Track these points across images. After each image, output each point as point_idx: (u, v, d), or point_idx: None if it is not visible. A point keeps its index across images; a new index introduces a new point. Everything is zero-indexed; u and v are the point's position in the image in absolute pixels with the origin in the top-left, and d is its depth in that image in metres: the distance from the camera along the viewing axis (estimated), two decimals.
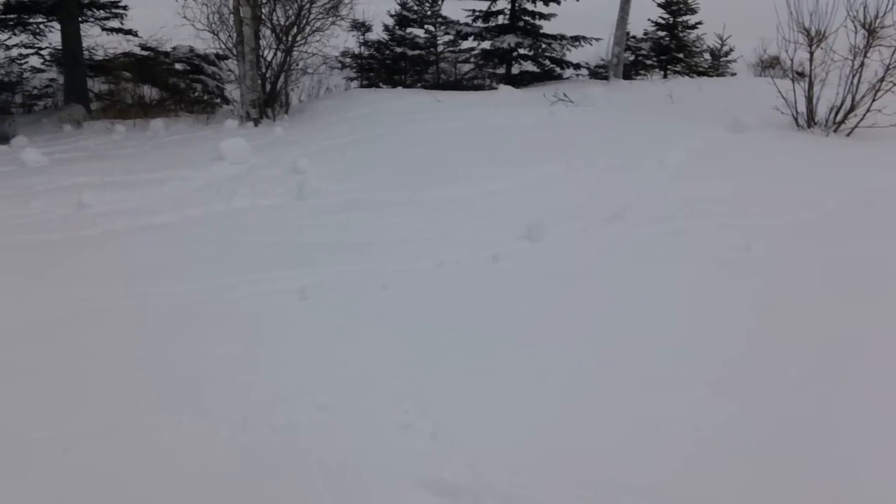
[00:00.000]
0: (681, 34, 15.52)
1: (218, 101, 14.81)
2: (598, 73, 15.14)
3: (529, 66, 15.45)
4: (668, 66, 15.62)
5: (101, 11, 15.58)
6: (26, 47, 15.90)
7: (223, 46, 13.18)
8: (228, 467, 2.87)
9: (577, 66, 15.25)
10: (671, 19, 15.52)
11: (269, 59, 12.60)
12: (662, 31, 15.58)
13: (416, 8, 15.67)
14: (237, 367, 3.64)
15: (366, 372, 3.57)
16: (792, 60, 9.57)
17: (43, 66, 16.22)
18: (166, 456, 2.94)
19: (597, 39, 14.63)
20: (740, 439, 2.97)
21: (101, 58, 15.64)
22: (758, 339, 3.84)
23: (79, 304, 4.42)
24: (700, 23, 15.47)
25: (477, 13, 15.22)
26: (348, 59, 16.00)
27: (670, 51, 15.52)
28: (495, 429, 3.08)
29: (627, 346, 3.78)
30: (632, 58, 15.45)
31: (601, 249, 5.29)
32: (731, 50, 15.88)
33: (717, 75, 15.51)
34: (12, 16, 15.18)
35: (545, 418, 3.15)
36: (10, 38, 15.63)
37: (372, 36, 16.13)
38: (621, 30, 13.44)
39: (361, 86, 15.48)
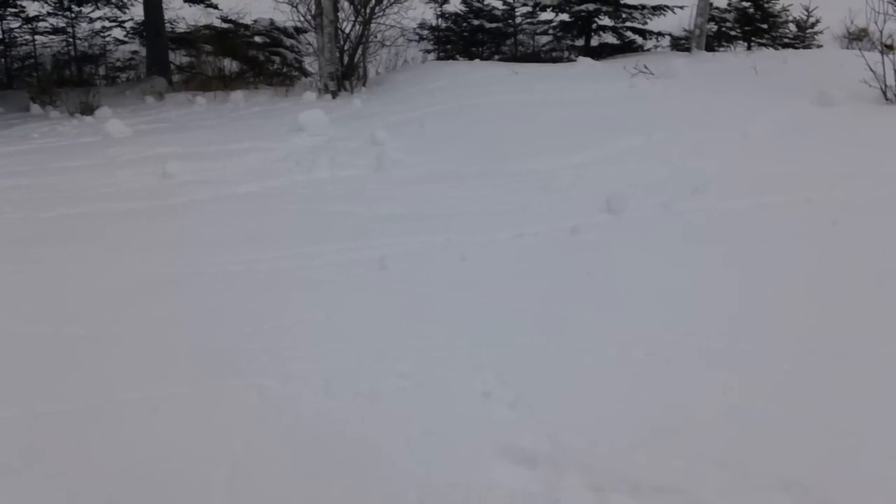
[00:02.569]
0: (766, 5, 15.03)
1: (297, 73, 14.96)
2: (680, 44, 14.81)
3: (609, 38, 15.19)
4: (753, 38, 15.17)
5: None
6: (110, 20, 16.29)
7: (302, 19, 13.29)
8: (312, 432, 2.91)
9: (658, 36, 14.94)
10: None
11: (347, 31, 12.65)
12: (747, 1, 15.13)
13: None
14: (320, 333, 3.69)
15: (445, 341, 3.58)
16: (881, 32, 9.19)
17: (126, 39, 16.65)
18: (251, 419, 2.99)
19: (680, 8, 14.28)
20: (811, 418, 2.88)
21: (183, 30, 15.95)
22: (843, 318, 3.71)
23: (165, 271, 4.52)
24: None
25: None
26: (425, 32, 15.97)
27: (755, 22, 15.07)
28: (575, 400, 3.06)
29: (707, 322, 3.69)
30: (715, 29, 15.05)
31: (683, 223, 5.18)
32: (818, 21, 15.33)
33: (803, 47, 14.98)
34: None
35: (624, 390, 3.12)
36: (93, 10, 16.04)
37: (449, 8, 16.06)
38: (704, 1, 13.10)
39: (438, 58, 15.46)
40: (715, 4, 14.41)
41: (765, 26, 15.05)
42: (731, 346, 3.44)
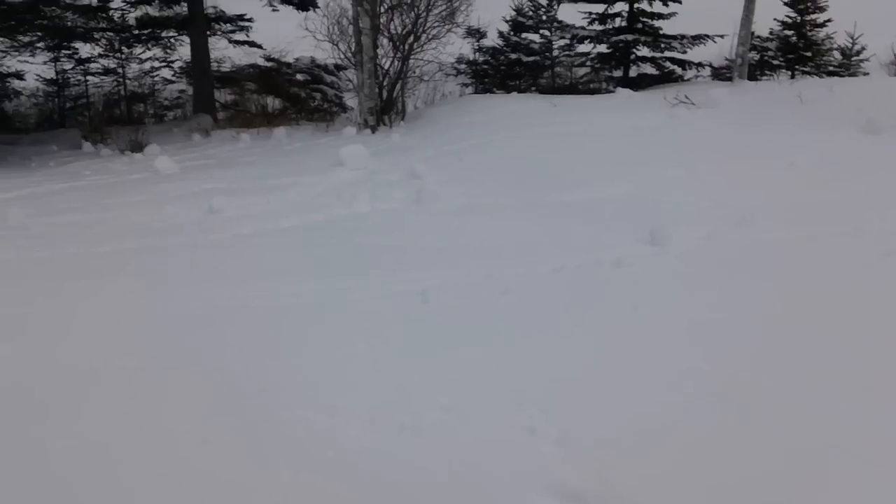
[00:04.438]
0: (809, 33, 14.91)
1: (337, 109, 15.17)
2: (721, 73, 14.74)
3: (648, 69, 15.17)
4: (796, 67, 15.04)
5: (229, 25, 16.25)
6: (158, 61, 16.72)
7: (342, 56, 13.51)
8: (357, 465, 2.92)
9: (698, 66, 14.88)
10: (798, 18, 14.94)
11: (386, 67, 12.81)
12: (789, 29, 15.02)
13: (531, 13, 15.63)
14: (364, 366, 3.71)
15: (489, 375, 3.57)
16: None
17: (173, 79, 17.05)
18: (297, 451, 3.01)
19: (720, 37, 14.23)
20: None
21: (228, 69, 16.28)
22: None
23: (212, 304, 4.59)
24: (829, 21, 14.83)
25: (594, 16, 15.05)
26: (463, 66, 16.10)
27: (798, 50, 14.94)
28: (623, 436, 3.02)
29: (755, 357, 3.64)
30: (757, 58, 14.95)
31: (728, 255, 5.12)
32: (863, 49, 15.15)
33: (849, 75, 14.79)
34: (146, 31, 15.97)
35: (674, 427, 3.07)
36: (143, 52, 16.47)
37: (486, 42, 16.19)
38: (746, 29, 13.03)
39: (476, 92, 15.55)
40: (756, 33, 14.32)
41: (808, 54, 14.91)
42: (781, 383, 3.38)
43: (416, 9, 12.67)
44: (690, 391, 3.33)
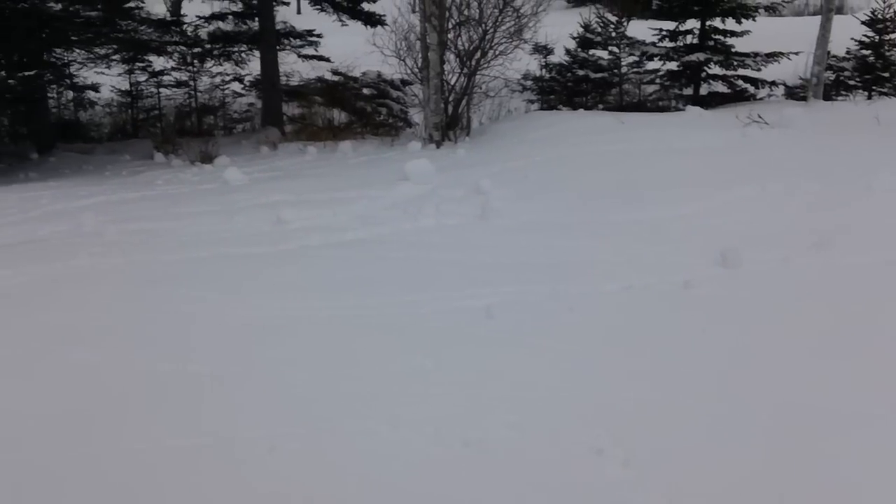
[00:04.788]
0: (887, 53, 14.53)
1: (402, 124, 15.26)
2: (795, 93, 14.44)
3: (719, 87, 14.94)
4: (873, 87, 14.66)
5: (298, 40, 16.49)
6: (229, 75, 17.07)
7: (409, 71, 13.58)
8: (422, 478, 2.93)
9: (772, 84, 14.60)
10: (876, 37, 14.59)
11: (452, 83, 12.85)
12: (867, 49, 14.66)
13: (599, 30, 15.55)
14: (429, 380, 3.72)
15: (555, 394, 3.55)
16: None
17: (243, 92, 17.35)
18: (363, 462, 3.03)
19: (795, 54, 13.95)
20: None
21: (296, 83, 16.53)
22: None
23: (280, 314, 4.65)
24: None
25: (664, 33, 14.90)
26: (529, 82, 16.08)
27: (875, 70, 14.57)
28: (691, 460, 2.98)
29: (837, 389, 3.53)
30: (832, 77, 14.62)
31: (804, 279, 5.00)
32: None
33: None
34: (218, 45, 16.33)
35: (744, 453, 3.01)
36: (215, 65, 16.84)
37: (553, 58, 16.15)
38: (822, 48, 12.76)
39: (541, 108, 15.51)
40: (833, 52, 14.02)
41: (886, 75, 14.52)
42: (865, 410, 3.29)
43: (483, 25, 12.68)
44: (763, 419, 3.27)
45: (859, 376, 3.63)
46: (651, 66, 15.37)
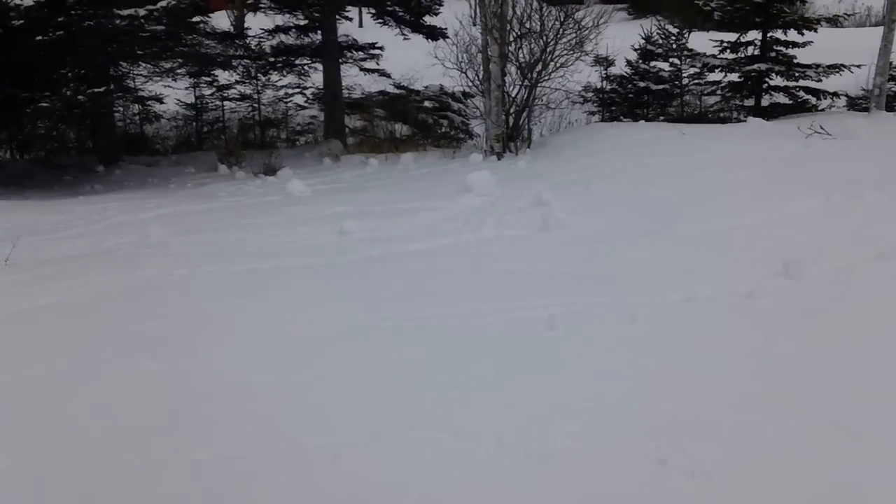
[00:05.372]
0: None
1: (463, 136, 15.36)
2: (858, 104, 14.18)
3: (780, 98, 14.75)
4: None
5: (360, 53, 16.71)
6: (292, 87, 17.35)
7: (470, 84, 13.68)
8: (485, 487, 2.95)
9: (834, 96, 14.37)
10: None
11: (513, 94, 12.91)
12: None
13: (660, 42, 15.48)
14: (490, 389, 3.75)
15: (617, 403, 3.55)
16: None
17: (306, 105, 17.61)
18: (426, 471, 3.06)
19: (857, 66, 13.72)
20: None
21: (358, 96, 16.74)
22: None
23: (344, 324, 4.72)
24: None
25: (725, 44, 14.78)
26: (590, 94, 16.06)
27: None
28: (757, 472, 2.96)
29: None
30: (895, 88, 14.34)
31: (869, 290, 4.91)
32: None
33: None
34: (281, 58, 16.62)
35: (810, 465, 2.99)
36: (279, 78, 17.14)
37: (614, 70, 16.11)
38: (884, 59, 12.53)
39: (602, 120, 15.48)
40: (895, 64, 13.75)
41: None
42: None
43: (544, 37, 12.74)
44: (826, 430, 3.23)
45: None
46: (712, 77, 15.25)
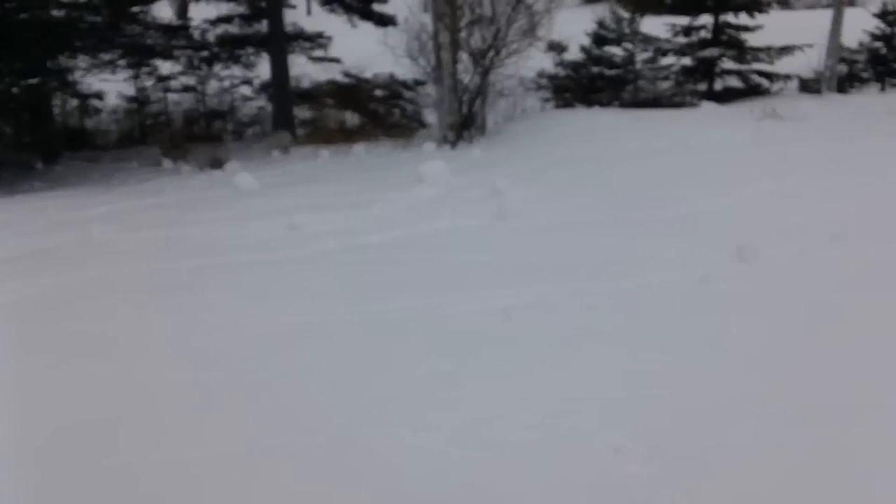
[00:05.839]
0: None
1: (416, 124, 15.22)
2: (809, 86, 14.35)
3: (733, 82, 14.87)
4: (886, 79, 14.58)
5: (307, 42, 16.45)
6: (237, 77, 17.02)
7: (422, 72, 13.54)
8: (442, 482, 2.89)
9: (785, 78, 14.52)
10: (888, 29, 14.51)
11: (466, 82, 12.79)
12: (879, 41, 14.58)
13: (613, 26, 15.46)
14: (448, 383, 3.68)
15: (574, 393, 3.52)
16: None
17: (252, 95, 17.29)
18: (383, 468, 3.00)
19: (809, 46, 13.86)
20: None
21: (307, 86, 16.48)
22: None
23: (297, 321, 4.61)
24: None
25: (677, 28, 14.84)
26: (544, 80, 15.99)
27: (888, 62, 14.50)
28: (712, 457, 2.94)
29: (856, 382, 3.49)
30: (846, 70, 14.53)
31: (822, 272, 4.96)
32: None
33: None
34: (226, 48, 16.29)
35: (765, 448, 2.98)
36: (223, 69, 16.81)
37: (568, 56, 16.06)
38: (834, 41, 12.70)
39: (557, 106, 15.42)
40: (845, 45, 13.93)
41: None
42: (877, 410, 3.24)
43: (496, 23, 12.63)
44: (780, 412, 3.24)
45: (877, 368, 3.60)
46: (665, 61, 15.32)
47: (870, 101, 11.79)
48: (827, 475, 2.80)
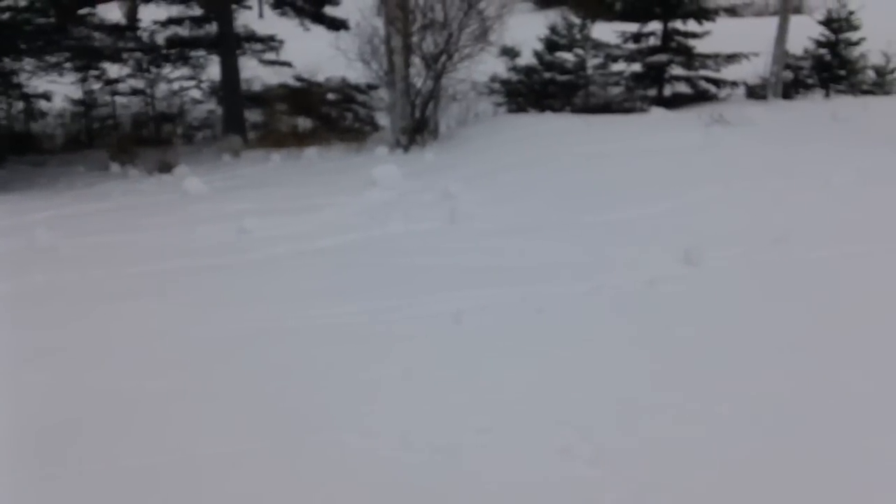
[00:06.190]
0: (843, 51, 14.73)
1: (369, 128, 15.15)
2: (756, 92, 14.59)
3: (682, 88, 15.06)
4: (830, 85, 14.89)
5: (259, 45, 16.27)
6: (187, 80, 16.78)
7: (374, 75, 13.49)
8: (392, 487, 2.88)
9: (733, 84, 14.75)
10: (833, 36, 14.81)
11: (418, 86, 12.78)
12: (823, 48, 14.86)
13: (564, 32, 15.57)
14: (398, 388, 3.67)
15: (523, 395, 3.54)
16: None
17: (202, 99, 17.04)
18: (331, 474, 2.98)
19: (755, 55, 14.09)
20: None
21: (258, 89, 16.31)
22: None
23: (244, 326, 4.56)
24: (863, 39, 14.66)
25: (627, 35, 15.00)
26: (496, 85, 16.04)
27: (832, 68, 14.79)
28: (658, 457, 2.98)
29: (796, 379, 3.56)
30: (791, 76, 14.80)
31: (764, 274, 5.08)
32: None
33: (883, 94, 14.59)
34: (175, 50, 16.04)
35: (711, 448, 3.02)
36: (172, 71, 16.54)
37: (521, 61, 16.13)
38: (780, 48, 12.94)
39: (509, 111, 15.48)
40: (790, 51, 14.20)
41: (843, 73, 14.73)
42: (816, 405, 3.31)
43: (448, 28, 12.64)
44: (725, 412, 3.29)
45: (818, 368, 3.67)
46: (616, 67, 15.44)
47: (814, 106, 12.05)
48: (768, 476, 2.83)
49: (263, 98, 15.85)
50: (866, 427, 3.12)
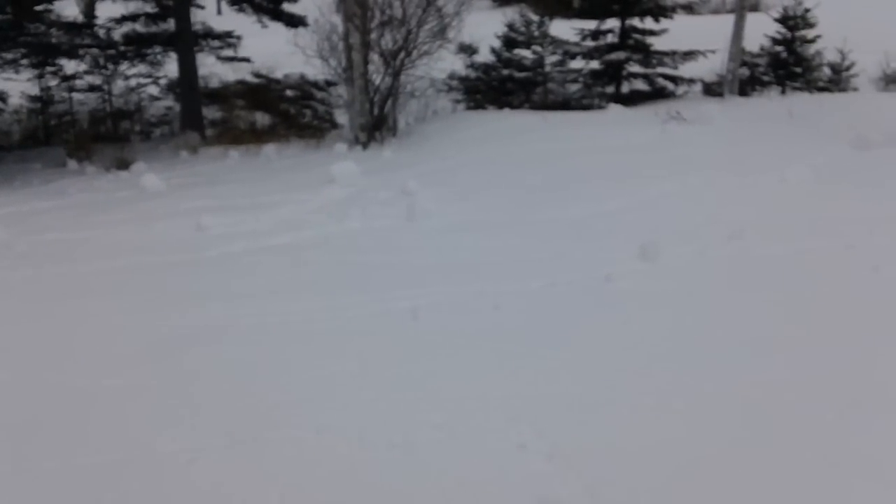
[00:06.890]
0: (799, 49, 14.93)
1: (327, 125, 15.09)
2: (712, 89, 14.75)
3: (640, 85, 15.17)
4: (786, 82, 15.08)
5: (217, 41, 16.13)
6: (145, 77, 16.59)
7: (333, 72, 13.44)
8: (347, 483, 2.88)
9: (690, 81, 14.90)
10: (789, 34, 15.00)
11: (377, 83, 12.76)
12: (779, 45, 15.05)
13: (522, 29, 15.62)
14: (354, 385, 3.66)
15: (480, 392, 3.54)
16: None
17: (160, 95, 16.87)
18: (287, 471, 2.97)
19: (712, 52, 14.25)
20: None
21: (216, 86, 16.17)
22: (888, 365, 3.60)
23: (201, 323, 4.54)
24: (819, 37, 14.85)
25: (585, 32, 15.08)
26: (455, 82, 16.06)
27: (788, 66, 14.97)
28: (613, 451, 3.00)
29: (751, 372, 3.61)
30: (747, 73, 14.98)
31: (719, 270, 5.14)
32: (853, 64, 15.17)
33: (839, 91, 14.80)
34: (132, 47, 15.85)
35: (664, 442, 3.05)
36: (129, 68, 16.34)
37: (479, 58, 16.16)
38: (736, 45, 13.09)
39: (468, 108, 15.50)
40: (747, 49, 14.37)
41: (798, 70, 14.91)
42: (772, 397, 3.36)
43: (406, 25, 12.64)
44: (680, 407, 3.32)
45: (770, 356, 3.73)
46: (574, 65, 15.50)
47: (770, 104, 12.21)
48: (723, 469, 2.87)
49: (221, 95, 15.71)
50: (825, 414, 3.18)
